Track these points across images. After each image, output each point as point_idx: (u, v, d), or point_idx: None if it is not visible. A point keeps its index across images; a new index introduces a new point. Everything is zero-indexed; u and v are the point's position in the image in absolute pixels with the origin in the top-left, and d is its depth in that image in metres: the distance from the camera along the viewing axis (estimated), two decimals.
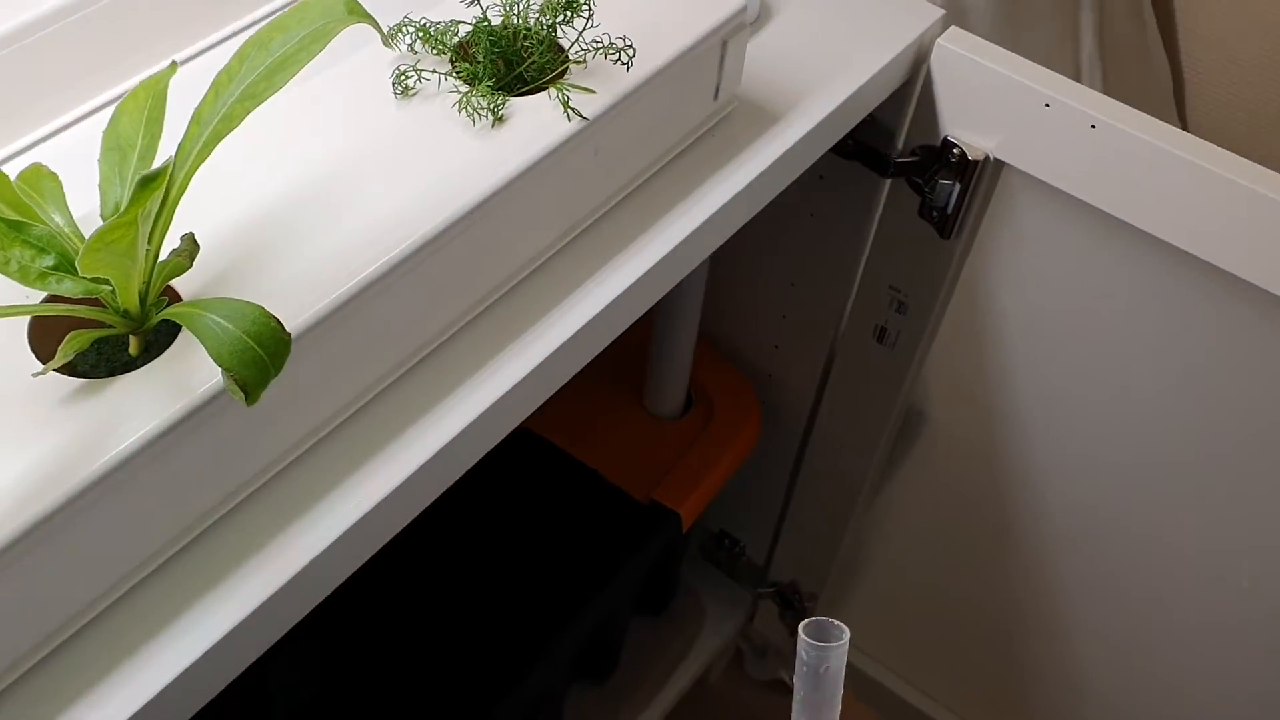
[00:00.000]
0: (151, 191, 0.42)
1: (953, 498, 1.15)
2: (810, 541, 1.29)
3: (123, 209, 0.41)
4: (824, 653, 0.36)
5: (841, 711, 0.39)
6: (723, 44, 0.72)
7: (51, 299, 0.53)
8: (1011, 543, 1.12)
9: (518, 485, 1.08)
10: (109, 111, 0.67)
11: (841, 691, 0.38)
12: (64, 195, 0.53)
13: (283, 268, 0.56)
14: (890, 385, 1.06)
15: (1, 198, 0.49)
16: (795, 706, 0.38)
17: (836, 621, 0.36)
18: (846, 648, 0.36)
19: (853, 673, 1.37)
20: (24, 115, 0.68)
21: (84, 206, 0.53)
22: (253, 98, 0.49)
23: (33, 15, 0.65)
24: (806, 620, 0.36)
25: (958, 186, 0.89)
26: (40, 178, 0.53)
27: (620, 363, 1.19)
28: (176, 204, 0.51)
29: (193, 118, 0.50)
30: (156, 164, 0.51)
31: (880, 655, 1.38)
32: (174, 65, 0.52)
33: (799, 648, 0.37)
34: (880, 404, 1.08)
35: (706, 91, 0.74)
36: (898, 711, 1.37)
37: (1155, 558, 1.03)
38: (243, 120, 0.49)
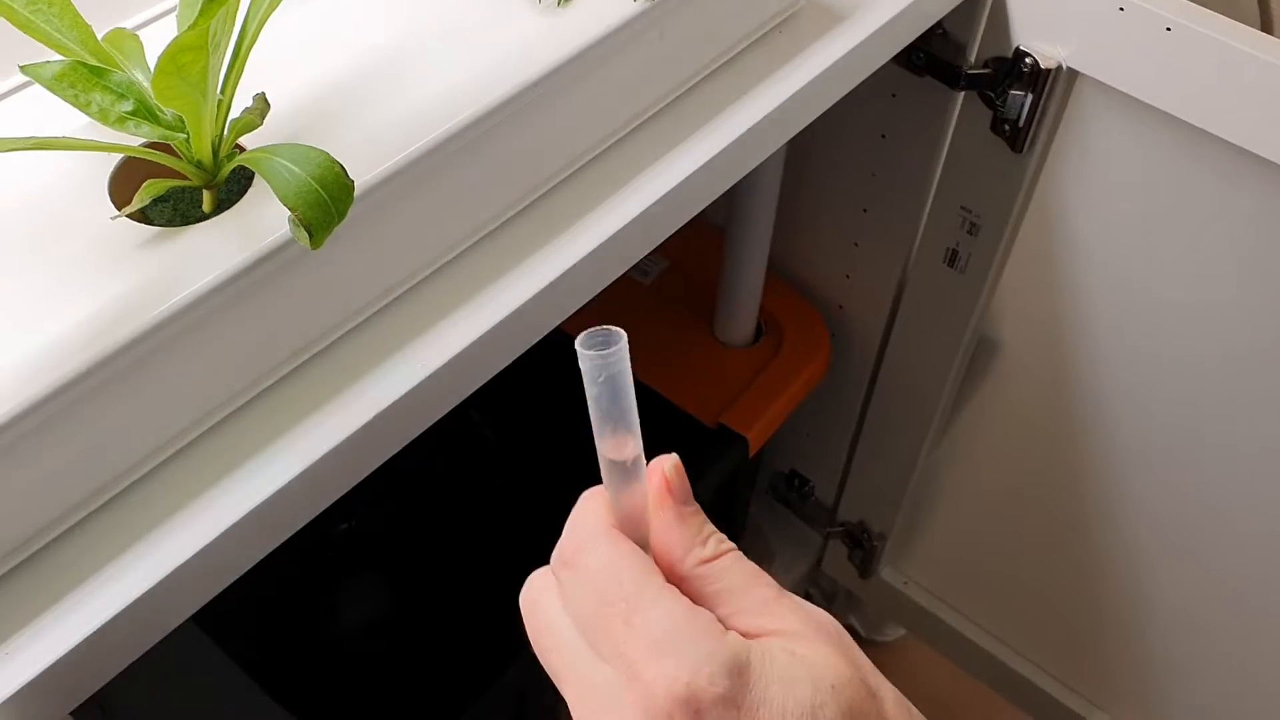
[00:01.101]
0: (220, 4, 0.43)
1: (1026, 430, 1.14)
2: (879, 479, 1.28)
3: (193, 22, 0.42)
4: (607, 360, 0.36)
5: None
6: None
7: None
8: (1087, 476, 1.10)
9: (582, 410, 1.09)
10: None
11: (633, 394, 0.37)
12: (144, 55, 0.55)
13: (349, 131, 0.58)
14: (962, 311, 1.05)
15: (85, 46, 0.50)
16: (596, 425, 0.37)
17: (610, 327, 0.36)
18: (626, 350, 0.36)
19: (918, 613, 1.36)
20: None
21: None
22: None
23: None
24: (581, 335, 0.36)
25: (1029, 98, 0.88)
26: (123, 38, 0.55)
27: (690, 292, 1.20)
28: (248, 54, 0.52)
29: None
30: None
31: (948, 597, 1.36)
32: None
33: (585, 364, 0.36)
34: (952, 331, 1.07)
35: None
36: (965, 654, 1.36)
37: (1239, 485, 1.00)
38: None
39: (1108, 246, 0.95)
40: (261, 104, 0.56)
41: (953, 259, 1.03)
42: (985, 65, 0.89)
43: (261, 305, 0.54)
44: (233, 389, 0.56)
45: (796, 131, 0.75)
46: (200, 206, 0.55)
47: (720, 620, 0.36)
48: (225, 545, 0.53)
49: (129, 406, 0.51)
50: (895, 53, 0.81)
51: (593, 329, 0.37)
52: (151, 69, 0.55)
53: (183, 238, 0.53)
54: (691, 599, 0.36)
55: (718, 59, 0.73)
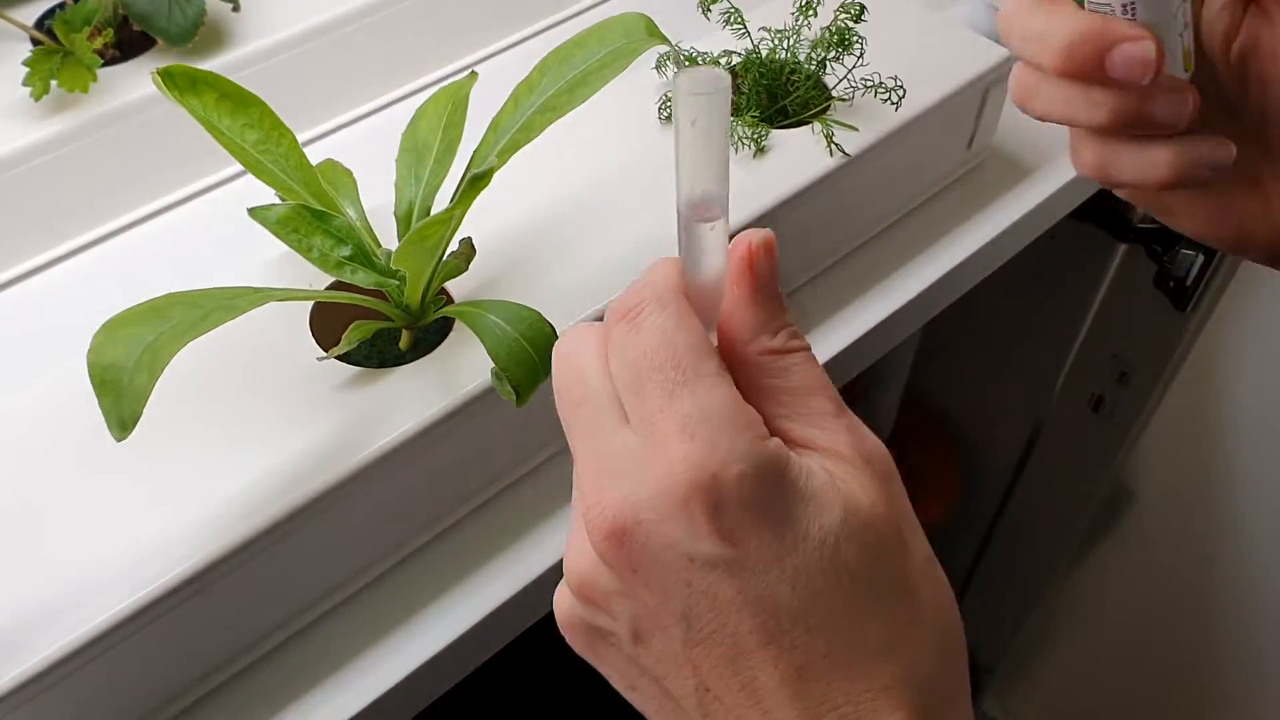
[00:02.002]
0: (479, 190, 0.43)
1: (1159, 577, 1.09)
2: (994, 611, 1.24)
3: (450, 205, 0.42)
4: (707, 100, 0.31)
5: None
6: (984, 92, 0.70)
7: (337, 285, 0.54)
8: (1220, 630, 1.06)
9: None
10: (392, 110, 0.71)
11: (728, 147, 0.33)
12: (357, 190, 0.55)
13: (547, 277, 0.57)
14: (1102, 458, 1.02)
15: (309, 189, 0.50)
16: (682, 178, 0.32)
17: (716, 68, 0.32)
18: (728, 94, 0.31)
19: None
20: (322, 106, 0.71)
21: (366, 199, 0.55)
22: (553, 110, 0.49)
23: (340, 11, 0.68)
24: (682, 72, 0.30)
25: (1200, 258, 0.85)
26: (336, 172, 0.55)
27: None
28: (467, 208, 0.52)
29: (491, 125, 0.51)
30: (453, 169, 0.52)
31: None
32: (473, 74, 0.53)
33: (681, 104, 0.31)
34: (1089, 476, 1.03)
35: (961, 139, 0.72)
36: None
37: None
38: (542, 131, 0.50)
39: (1265, 408, 0.91)
40: (468, 250, 0.55)
41: (1098, 405, 1.00)
42: (1156, 219, 0.87)
43: (455, 445, 0.53)
44: (421, 521, 0.55)
45: (967, 289, 0.73)
46: (397, 343, 0.55)
47: (768, 419, 0.32)
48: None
49: (331, 538, 0.51)
50: (1072, 209, 0.79)
51: (696, 67, 0.33)
52: (363, 203, 0.55)
53: (386, 380, 0.52)
54: (744, 387, 0.33)
55: (899, 210, 0.71)
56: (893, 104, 0.63)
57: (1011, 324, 1.04)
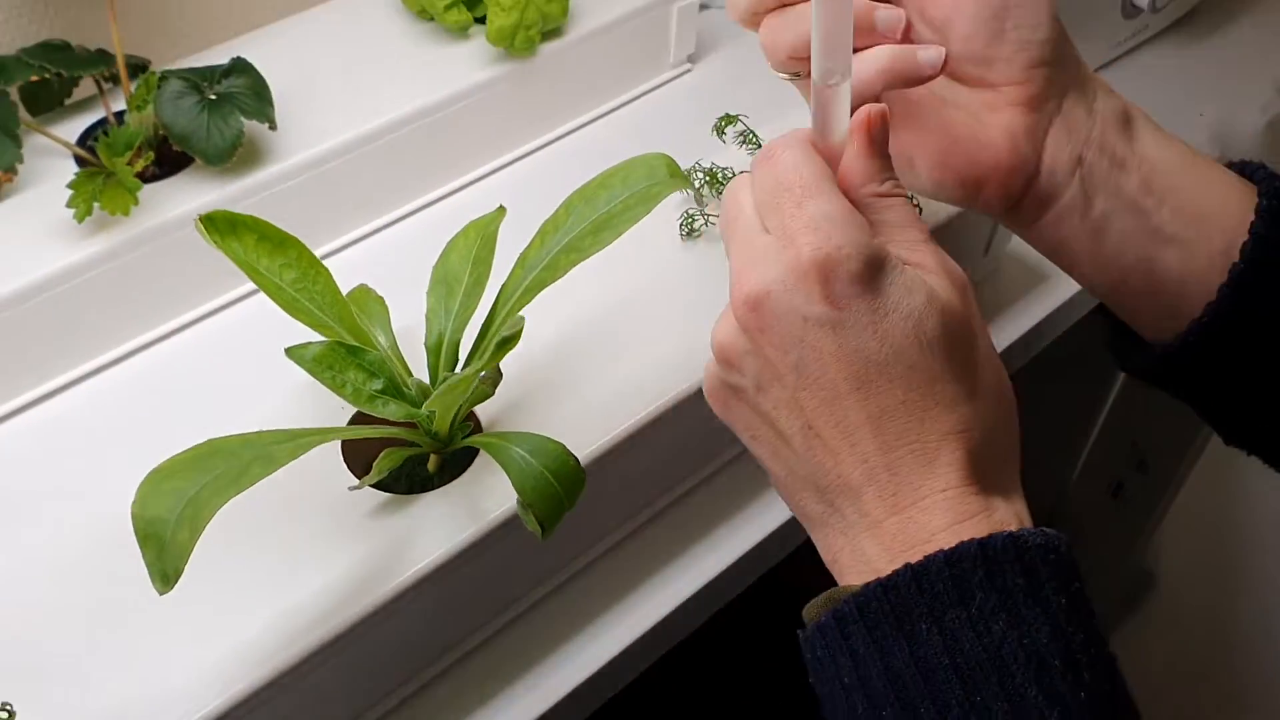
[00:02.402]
0: (505, 351, 0.44)
1: (1178, 666, 1.09)
2: None
3: (479, 361, 0.43)
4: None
5: None
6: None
7: (361, 417, 0.55)
8: (1240, 717, 1.05)
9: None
10: (428, 213, 0.72)
11: (853, 24, 0.42)
12: (388, 316, 0.56)
13: (572, 399, 0.58)
14: (1122, 543, 1.02)
15: (343, 324, 0.52)
16: (816, 49, 0.42)
17: None
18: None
19: None
20: (356, 213, 0.73)
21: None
22: (578, 251, 0.50)
23: (375, 125, 0.71)
24: None
25: None
26: (369, 300, 0.57)
27: None
28: (492, 341, 0.53)
29: (518, 261, 0.52)
30: (483, 301, 0.53)
31: None
32: (502, 210, 0.55)
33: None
34: (1109, 560, 1.03)
35: (977, 248, 0.73)
36: None
37: None
38: (567, 272, 0.51)
39: None
40: (495, 374, 0.56)
41: (1117, 490, 1.00)
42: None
43: (480, 567, 0.54)
44: (440, 648, 0.56)
45: None
46: (425, 465, 0.56)
47: None
48: None
49: (361, 661, 0.52)
50: (1089, 310, 0.80)
51: None
52: (393, 327, 0.57)
53: (415, 506, 0.53)
54: None
55: None
56: (916, 204, 0.64)
57: (1029, 408, 1.04)
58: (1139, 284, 0.51)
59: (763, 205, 0.42)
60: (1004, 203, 0.50)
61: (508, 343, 0.46)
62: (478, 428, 0.57)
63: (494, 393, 0.56)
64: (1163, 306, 0.51)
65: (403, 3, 0.78)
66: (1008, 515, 0.40)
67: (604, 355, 0.60)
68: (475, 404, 0.55)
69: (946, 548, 0.38)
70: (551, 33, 0.78)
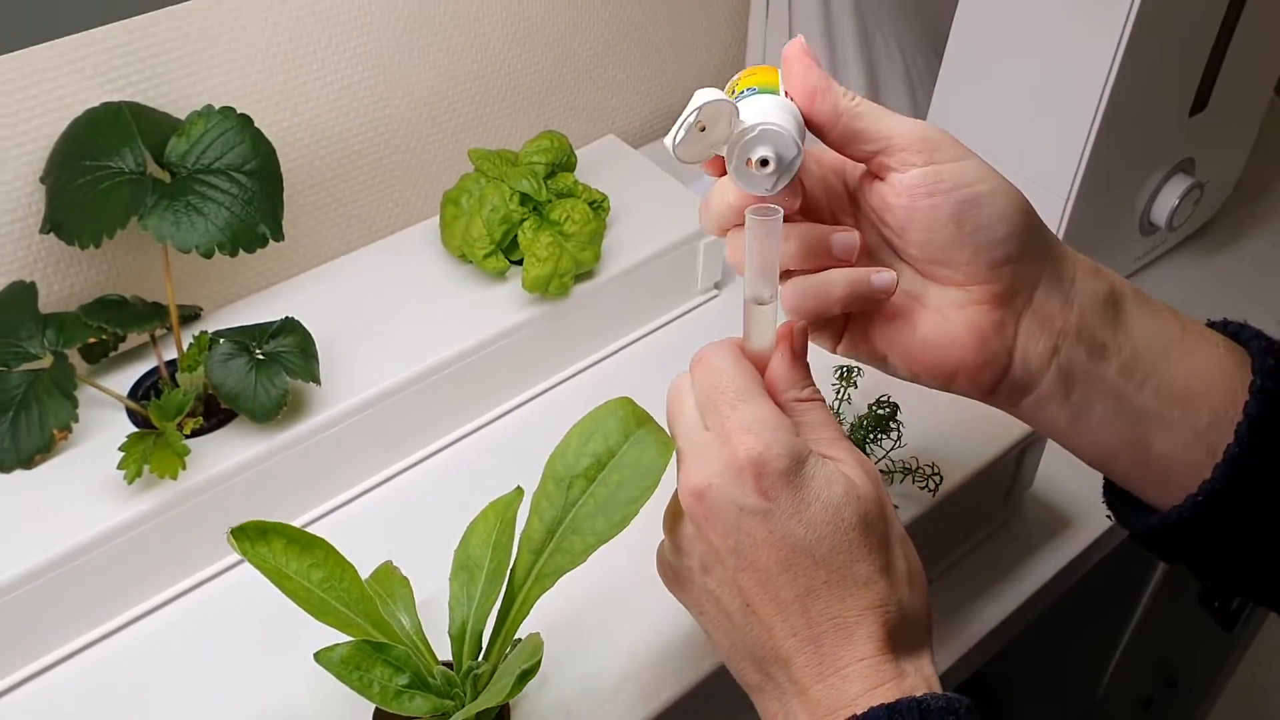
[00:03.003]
0: (525, 683, 0.45)
1: None
2: None
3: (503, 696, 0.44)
4: (767, 223, 0.47)
5: None
6: (1021, 453, 0.72)
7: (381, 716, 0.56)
8: None
9: None
10: (442, 455, 0.74)
11: (779, 255, 0.48)
12: (413, 598, 0.57)
13: (593, 674, 0.58)
14: None
15: (369, 620, 0.53)
16: (749, 272, 0.48)
17: (773, 205, 0.47)
18: (781, 221, 0.47)
19: None
20: (388, 451, 0.75)
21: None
22: (594, 534, 0.50)
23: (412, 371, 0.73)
24: (750, 207, 0.47)
25: None
26: (393, 581, 0.58)
27: None
28: (520, 621, 0.54)
29: (522, 542, 0.53)
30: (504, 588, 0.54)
31: None
32: (519, 490, 0.56)
33: (750, 223, 0.47)
34: None
35: (998, 494, 0.73)
36: None
37: None
38: (585, 558, 0.52)
39: None
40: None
41: (1148, 705, 0.98)
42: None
43: None
44: None
45: (1014, 634, 0.74)
46: None
47: None
48: None
49: None
50: (1114, 546, 0.80)
51: (759, 204, 0.47)
52: (418, 607, 0.58)
53: None
54: None
55: (939, 562, 0.72)
56: (929, 491, 0.65)
57: (1055, 624, 1.03)
58: (1126, 459, 0.52)
59: (702, 405, 0.48)
60: (978, 392, 0.52)
61: (527, 675, 0.47)
62: (505, 712, 0.58)
63: (522, 686, 0.56)
64: (1154, 479, 0.52)
65: (444, 245, 0.81)
66: (917, 681, 0.44)
67: (631, 625, 0.61)
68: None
69: (859, 712, 0.42)
70: (584, 275, 0.80)
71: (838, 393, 0.69)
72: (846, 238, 0.51)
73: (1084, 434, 0.52)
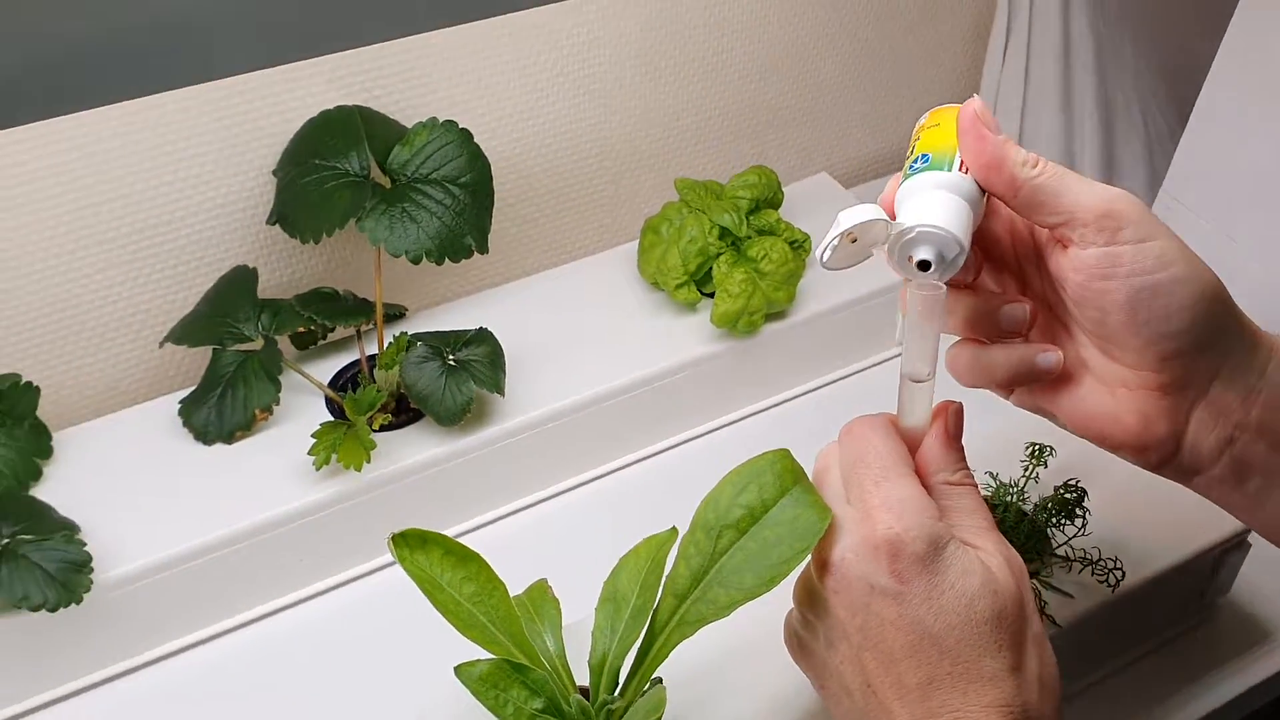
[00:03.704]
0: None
1: None
2: None
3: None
4: (931, 296, 0.46)
5: None
6: (1219, 557, 0.66)
7: None
8: None
9: None
10: (613, 477, 0.75)
11: (940, 330, 0.47)
12: (560, 620, 0.57)
13: (727, 711, 0.57)
14: None
15: (513, 640, 0.53)
16: (907, 346, 0.47)
17: (938, 281, 0.46)
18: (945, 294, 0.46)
19: None
20: (561, 468, 0.76)
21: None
22: (740, 590, 0.49)
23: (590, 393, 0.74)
24: (916, 279, 0.46)
25: None
26: (543, 601, 0.58)
27: None
28: (659, 662, 0.53)
29: (666, 587, 0.52)
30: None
31: None
32: (674, 531, 0.55)
33: (912, 295, 0.46)
34: None
35: (1190, 596, 0.68)
36: None
37: None
38: (731, 611, 0.50)
39: None
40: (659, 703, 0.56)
41: None
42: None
43: None
44: None
45: None
46: None
47: None
48: None
49: None
50: None
51: (923, 258, 0.45)
52: (564, 632, 0.58)
53: None
54: None
55: (1118, 660, 0.67)
56: (1109, 586, 0.61)
57: None
58: None
59: (846, 477, 0.47)
60: (1145, 465, 0.49)
61: (650, 714, 0.47)
62: None
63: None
64: None
65: (640, 271, 0.81)
66: None
67: (769, 678, 0.59)
68: None
69: None
70: (776, 314, 0.79)
71: (1026, 470, 0.65)
72: (1016, 310, 0.49)
73: (1259, 519, 0.49)
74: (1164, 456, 0.48)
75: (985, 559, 0.45)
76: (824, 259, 0.47)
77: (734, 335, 0.77)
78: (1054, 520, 0.63)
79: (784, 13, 0.91)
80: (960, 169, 0.46)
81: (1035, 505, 0.64)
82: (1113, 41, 1.00)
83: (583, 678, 0.56)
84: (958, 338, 0.52)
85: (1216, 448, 0.47)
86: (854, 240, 0.46)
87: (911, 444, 0.48)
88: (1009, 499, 0.65)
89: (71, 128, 0.68)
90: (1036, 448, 0.65)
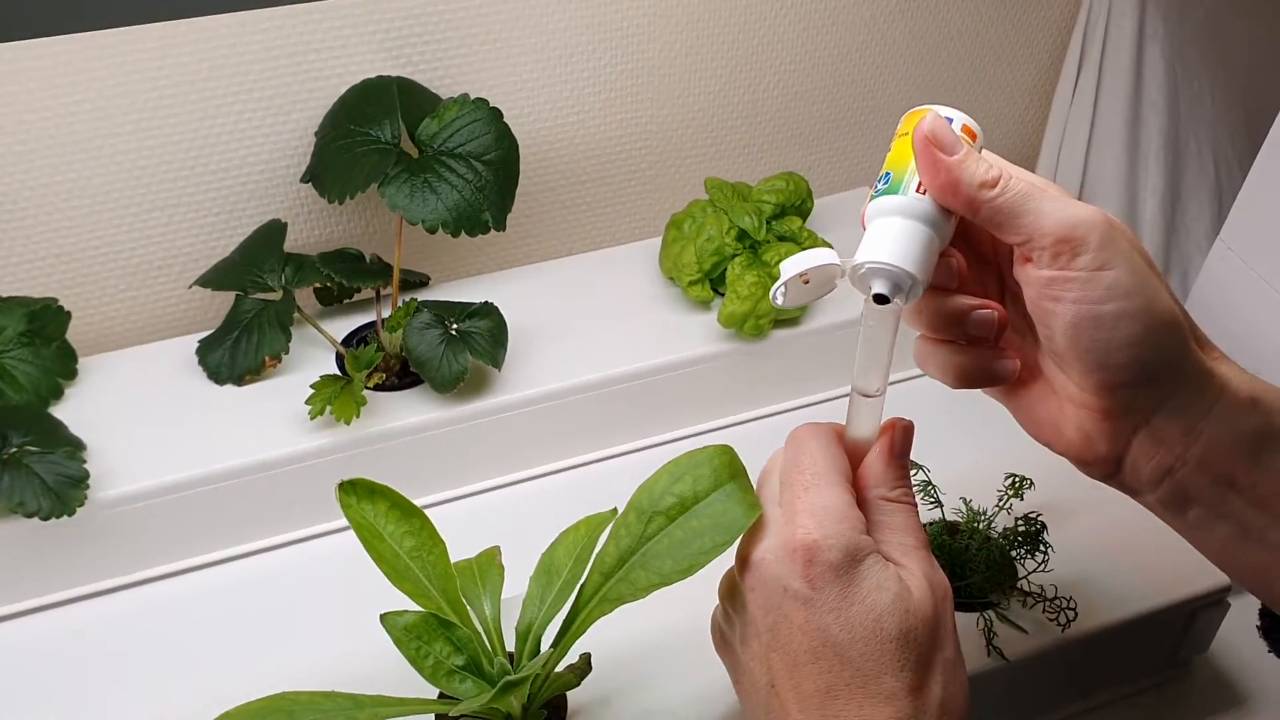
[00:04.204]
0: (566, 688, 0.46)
1: None
2: None
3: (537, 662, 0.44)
4: (884, 311, 0.46)
5: None
6: (1192, 614, 0.64)
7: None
8: None
9: None
10: (593, 467, 0.76)
11: (892, 347, 0.47)
12: (501, 587, 0.58)
13: (656, 700, 0.58)
14: None
15: (445, 597, 0.55)
16: (859, 360, 0.47)
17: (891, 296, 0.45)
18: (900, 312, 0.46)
19: None
20: (547, 450, 0.77)
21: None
22: (659, 575, 0.49)
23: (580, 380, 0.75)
24: (872, 292, 0.45)
25: None
26: (490, 567, 0.59)
27: None
28: (579, 635, 0.54)
29: (594, 564, 0.53)
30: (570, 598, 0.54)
31: None
32: (614, 511, 0.56)
33: (867, 311, 0.46)
34: None
35: (1158, 651, 0.66)
36: None
37: None
38: (648, 594, 0.51)
39: None
40: (584, 666, 0.57)
41: None
42: None
43: None
44: None
45: None
46: None
47: (875, 542, 0.45)
48: None
49: None
50: None
51: (878, 292, 0.45)
52: (503, 601, 0.59)
53: None
54: (865, 516, 0.46)
55: (1074, 707, 0.66)
56: (1059, 625, 0.60)
57: None
58: (1251, 580, 0.48)
59: (782, 481, 0.47)
60: (1091, 476, 0.49)
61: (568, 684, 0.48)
62: (560, 714, 0.58)
63: (579, 684, 0.57)
64: None
65: (659, 265, 0.82)
66: None
67: (694, 660, 0.59)
68: (558, 691, 0.57)
69: None
70: (788, 321, 0.79)
71: (1000, 499, 0.64)
72: (985, 316, 0.48)
73: (1207, 548, 0.49)
74: (1106, 473, 0.48)
75: (905, 576, 0.45)
76: (777, 302, 0.48)
77: (741, 337, 0.78)
78: (1015, 552, 0.62)
79: (845, 24, 0.91)
80: (919, 190, 0.46)
81: (1000, 534, 0.63)
82: (1190, 85, 0.97)
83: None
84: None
85: (1156, 474, 0.47)
86: (807, 281, 0.47)
87: (857, 456, 0.49)
88: (976, 525, 0.64)
89: (129, 42, 0.71)
90: (1016, 479, 0.64)
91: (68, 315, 0.74)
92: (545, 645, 0.55)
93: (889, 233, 0.45)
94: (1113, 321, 0.44)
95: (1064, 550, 0.64)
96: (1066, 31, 1.01)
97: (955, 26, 0.96)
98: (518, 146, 0.76)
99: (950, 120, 0.46)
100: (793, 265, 0.46)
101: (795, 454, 0.48)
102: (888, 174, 0.47)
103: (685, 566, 0.50)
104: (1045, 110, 1.05)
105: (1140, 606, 0.62)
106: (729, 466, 0.50)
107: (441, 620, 0.54)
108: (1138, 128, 0.99)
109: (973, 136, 0.47)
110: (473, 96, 0.75)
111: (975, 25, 0.97)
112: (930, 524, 0.65)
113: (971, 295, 0.49)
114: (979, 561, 0.62)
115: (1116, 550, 0.65)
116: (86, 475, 0.66)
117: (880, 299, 0.45)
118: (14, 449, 0.65)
